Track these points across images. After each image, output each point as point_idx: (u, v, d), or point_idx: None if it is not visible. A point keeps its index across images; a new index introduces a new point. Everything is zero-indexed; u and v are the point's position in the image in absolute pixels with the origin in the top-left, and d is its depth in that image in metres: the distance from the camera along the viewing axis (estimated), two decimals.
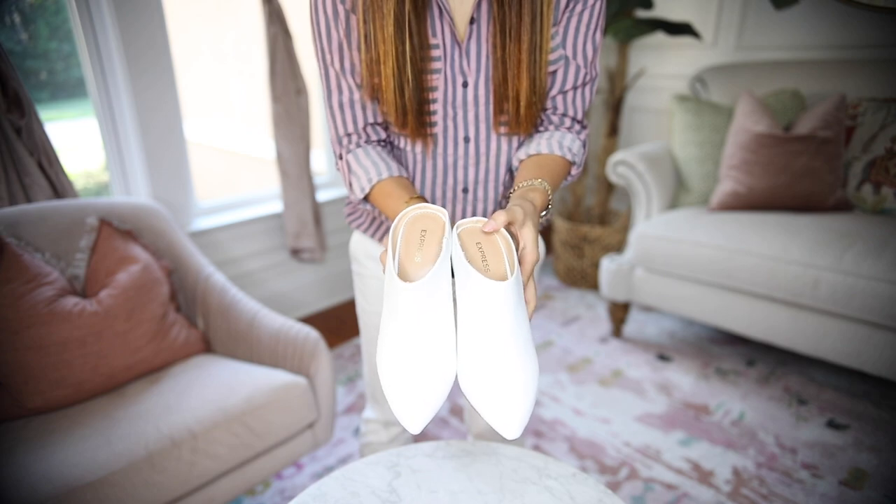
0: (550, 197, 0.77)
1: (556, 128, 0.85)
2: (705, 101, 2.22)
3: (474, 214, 0.89)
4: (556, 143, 0.82)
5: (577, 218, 2.81)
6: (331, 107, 0.82)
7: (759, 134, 1.94)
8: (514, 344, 0.64)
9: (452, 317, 0.67)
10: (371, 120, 0.82)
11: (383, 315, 0.67)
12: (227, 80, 3.22)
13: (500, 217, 0.67)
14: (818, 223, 1.81)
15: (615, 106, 2.62)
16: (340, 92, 0.80)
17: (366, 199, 0.83)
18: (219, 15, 3.08)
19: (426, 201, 0.75)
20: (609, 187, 2.79)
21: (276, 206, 2.25)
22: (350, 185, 0.83)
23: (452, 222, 0.90)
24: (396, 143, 0.86)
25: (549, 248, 3.15)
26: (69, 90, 1.86)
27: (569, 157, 0.83)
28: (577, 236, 2.62)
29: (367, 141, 0.83)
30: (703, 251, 1.88)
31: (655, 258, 2.00)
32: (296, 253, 2.28)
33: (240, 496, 1.44)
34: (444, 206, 0.89)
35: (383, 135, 0.85)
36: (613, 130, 2.67)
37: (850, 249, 1.65)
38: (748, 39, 2.51)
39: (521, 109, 0.79)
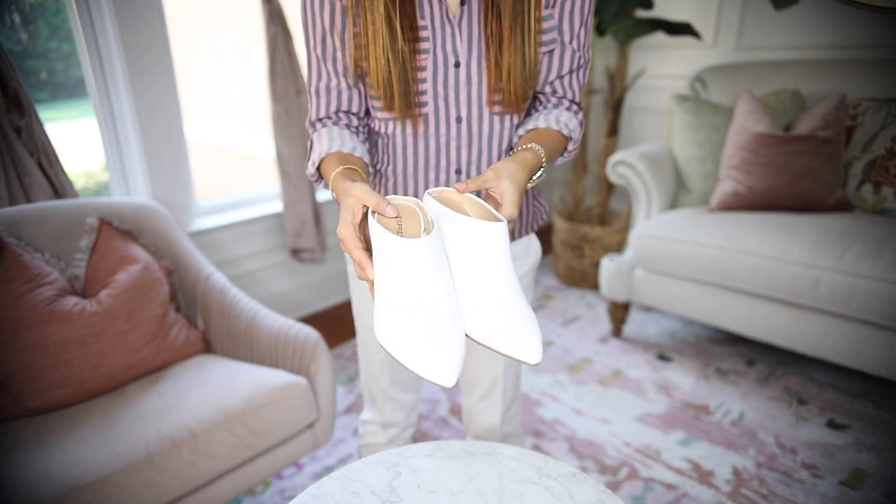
0: (544, 161, 0.79)
1: (556, 107, 0.88)
2: (705, 101, 2.22)
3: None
4: (553, 118, 0.85)
5: (577, 218, 2.81)
6: (310, 91, 0.85)
7: (759, 134, 1.94)
8: (514, 284, 0.67)
9: (450, 272, 0.68)
10: (345, 108, 0.85)
11: (377, 283, 0.65)
12: (227, 80, 3.22)
13: (472, 183, 0.70)
14: (818, 223, 1.81)
15: (615, 106, 2.62)
16: (319, 77, 0.83)
17: (319, 173, 0.84)
18: (219, 15, 3.08)
19: (359, 172, 0.76)
20: (609, 187, 2.79)
21: (276, 206, 2.25)
22: (307, 164, 0.85)
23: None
24: (383, 129, 0.86)
25: (549, 248, 3.15)
26: (69, 90, 1.86)
27: (565, 132, 0.85)
28: (577, 236, 2.62)
29: (336, 123, 0.86)
30: (703, 251, 1.88)
31: (655, 258, 2.00)
32: (296, 253, 2.28)
33: (240, 496, 1.44)
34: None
35: (355, 122, 0.87)
36: (613, 130, 2.67)
37: (850, 249, 1.65)
38: (748, 39, 2.51)
39: (513, 87, 0.80)
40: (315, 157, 0.82)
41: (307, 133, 0.88)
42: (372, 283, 0.66)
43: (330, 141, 0.81)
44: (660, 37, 2.75)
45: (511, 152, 0.82)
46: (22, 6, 1.67)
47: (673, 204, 2.27)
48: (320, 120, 0.86)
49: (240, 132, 3.33)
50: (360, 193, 0.65)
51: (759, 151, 1.93)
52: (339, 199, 0.71)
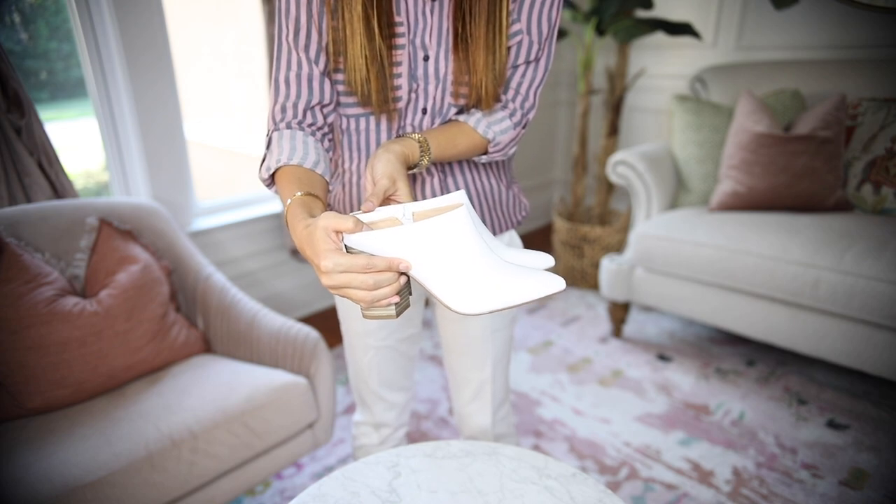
0: (424, 150, 0.77)
1: (504, 105, 0.86)
2: (705, 101, 2.22)
3: (433, 189, 0.90)
4: (482, 115, 0.83)
5: (577, 218, 2.81)
6: (276, 80, 0.80)
7: (759, 134, 1.94)
8: (495, 243, 0.74)
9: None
10: (316, 100, 0.80)
11: (425, 278, 0.63)
12: (227, 80, 3.21)
13: (375, 198, 0.68)
14: (818, 223, 1.81)
15: (615, 106, 2.62)
16: (289, 67, 0.79)
17: (272, 179, 0.78)
18: (219, 15, 3.08)
19: (320, 199, 0.71)
20: (609, 187, 2.79)
21: (276, 206, 2.25)
22: (262, 161, 0.79)
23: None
24: (353, 126, 0.85)
25: (549, 248, 3.14)
26: (69, 90, 1.86)
27: (481, 130, 0.83)
28: (577, 236, 2.62)
29: (300, 123, 0.80)
30: (703, 251, 1.88)
31: (655, 258, 2.00)
32: (296, 253, 2.28)
33: (240, 496, 1.44)
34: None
35: (321, 121, 0.82)
36: (613, 130, 2.67)
37: (850, 249, 1.65)
38: (748, 39, 2.51)
39: (485, 83, 0.80)
40: (272, 164, 0.75)
41: (267, 127, 0.82)
42: (398, 286, 0.63)
43: (291, 150, 0.75)
44: (660, 37, 2.75)
45: (398, 136, 0.81)
46: (22, 6, 1.67)
47: (673, 204, 2.27)
48: (284, 111, 0.80)
49: (240, 132, 3.33)
50: (330, 223, 0.61)
51: (759, 151, 1.93)
52: (294, 231, 0.66)
